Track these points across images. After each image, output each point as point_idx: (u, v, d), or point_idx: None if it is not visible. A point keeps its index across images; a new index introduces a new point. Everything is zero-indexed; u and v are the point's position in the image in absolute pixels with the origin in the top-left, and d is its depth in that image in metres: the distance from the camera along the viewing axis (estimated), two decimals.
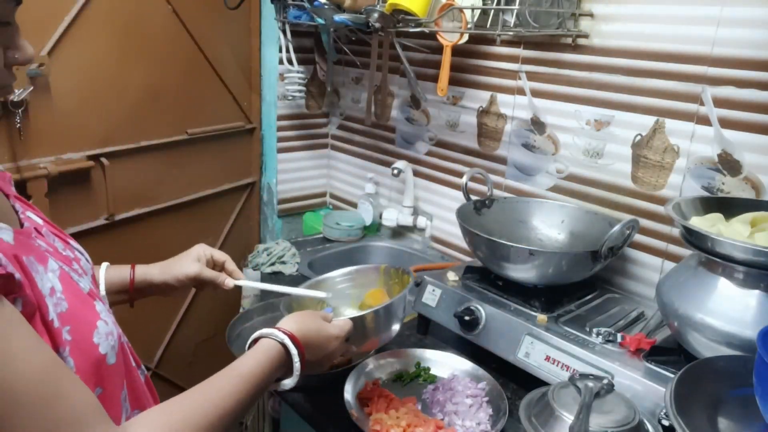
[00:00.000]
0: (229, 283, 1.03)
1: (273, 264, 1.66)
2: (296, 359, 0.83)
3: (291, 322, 0.87)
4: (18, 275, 0.59)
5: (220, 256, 1.05)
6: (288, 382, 0.84)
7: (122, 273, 0.98)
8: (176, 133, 1.70)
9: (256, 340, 0.85)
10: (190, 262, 1.01)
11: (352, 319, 0.94)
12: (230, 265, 1.05)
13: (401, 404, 1.07)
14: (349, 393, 1.08)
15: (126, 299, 0.99)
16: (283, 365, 0.83)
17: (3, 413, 0.54)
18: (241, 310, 1.42)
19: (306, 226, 1.98)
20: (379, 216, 1.84)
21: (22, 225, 0.72)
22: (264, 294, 1.51)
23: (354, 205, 1.97)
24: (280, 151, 1.92)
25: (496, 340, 1.16)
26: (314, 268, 1.68)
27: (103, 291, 0.92)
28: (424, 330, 1.36)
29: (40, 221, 0.75)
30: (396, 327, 1.04)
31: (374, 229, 1.89)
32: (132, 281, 0.98)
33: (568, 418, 0.87)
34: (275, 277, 1.63)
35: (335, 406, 1.09)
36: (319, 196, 2.09)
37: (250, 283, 1.06)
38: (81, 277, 0.72)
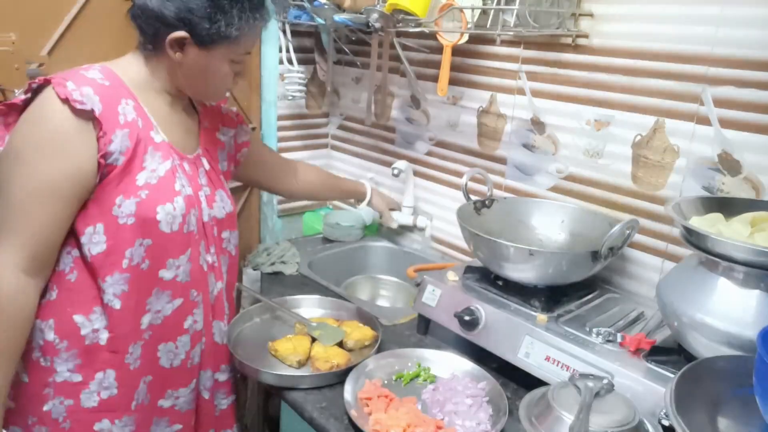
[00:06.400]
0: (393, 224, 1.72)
1: (273, 264, 1.66)
2: None
3: None
4: (98, 113, 0.97)
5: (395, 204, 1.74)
6: None
7: (357, 189, 1.69)
8: None
9: None
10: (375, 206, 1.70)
11: None
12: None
13: (401, 404, 1.07)
14: (349, 393, 1.08)
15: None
16: None
17: None
18: (241, 310, 1.42)
19: (306, 226, 1.98)
20: (379, 216, 1.84)
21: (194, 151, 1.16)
22: (263, 295, 1.51)
23: (354, 205, 1.97)
24: (280, 151, 1.91)
25: (496, 340, 1.16)
26: (314, 268, 1.68)
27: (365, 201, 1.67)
28: (424, 330, 1.36)
29: (208, 167, 1.17)
30: None
31: (374, 229, 1.89)
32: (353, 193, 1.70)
33: (568, 418, 0.87)
34: (275, 277, 1.63)
35: (335, 406, 1.09)
36: None
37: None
38: (188, 186, 1.09)
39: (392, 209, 1.73)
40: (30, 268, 0.98)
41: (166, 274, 1.07)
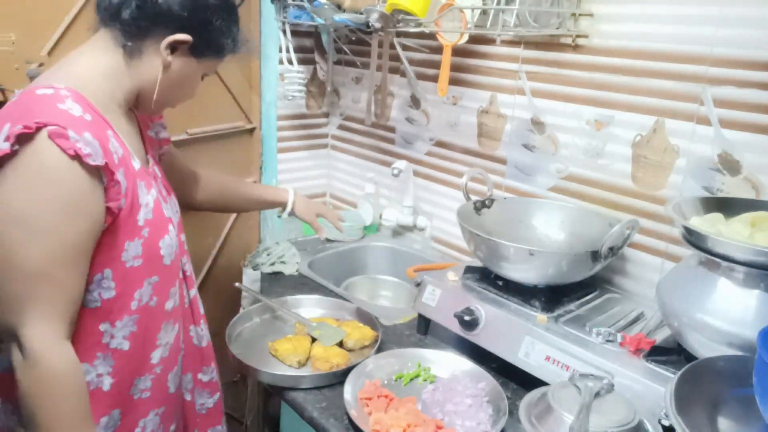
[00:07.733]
0: (322, 235, 1.50)
1: (273, 264, 1.66)
2: None
3: None
4: (104, 164, 0.87)
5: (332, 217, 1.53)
6: None
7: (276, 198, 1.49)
8: (176, 132, 1.69)
9: None
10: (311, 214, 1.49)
11: None
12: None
13: (401, 404, 1.07)
14: (349, 393, 1.08)
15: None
16: None
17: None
18: (241, 311, 1.42)
19: (306, 226, 1.97)
20: (379, 216, 1.84)
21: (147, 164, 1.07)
22: (263, 295, 1.51)
23: (354, 205, 1.97)
24: (280, 151, 1.91)
25: (496, 340, 1.16)
26: (314, 268, 1.68)
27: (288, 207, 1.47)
28: (424, 330, 1.36)
29: (159, 174, 1.10)
30: None
31: (374, 229, 1.89)
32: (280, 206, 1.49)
33: (568, 418, 0.87)
34: (275, 277, 1.63)
35: (335, 406, 1.09)
36: (319, 196, 2.09)
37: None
38: (167, 207, 1.04)
39: (320, 215, 1.51)
40: (69, 332, 0.91)
41: (168, 304, 1.04)
